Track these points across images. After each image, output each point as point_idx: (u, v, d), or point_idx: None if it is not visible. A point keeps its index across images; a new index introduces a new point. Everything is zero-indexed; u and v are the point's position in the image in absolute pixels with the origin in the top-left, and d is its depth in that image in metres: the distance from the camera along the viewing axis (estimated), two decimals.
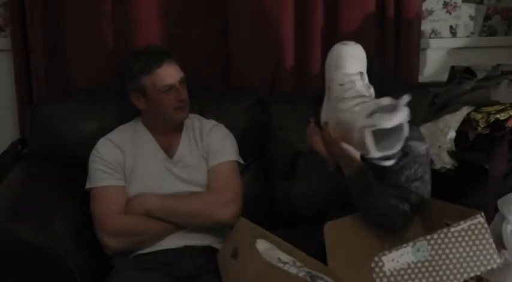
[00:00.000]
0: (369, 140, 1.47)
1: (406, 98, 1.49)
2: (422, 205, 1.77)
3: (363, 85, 1.66)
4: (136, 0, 2.28)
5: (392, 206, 1.72)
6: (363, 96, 1.62)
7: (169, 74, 1.92)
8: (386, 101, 1.50)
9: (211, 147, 2.00)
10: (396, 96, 1.92)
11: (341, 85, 1.66)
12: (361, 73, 1.69)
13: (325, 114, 1.72)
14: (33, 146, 2.19)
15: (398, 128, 1.50)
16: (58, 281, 1.71)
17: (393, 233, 1.74)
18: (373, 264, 1.42)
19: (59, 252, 1.68)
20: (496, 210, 1.72)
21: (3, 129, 2.40)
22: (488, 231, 1.48)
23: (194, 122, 2.06)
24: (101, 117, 2.16)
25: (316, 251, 1.75)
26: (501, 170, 1.91)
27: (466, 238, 1.46)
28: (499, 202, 1.72)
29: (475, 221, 1.47)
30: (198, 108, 2.16)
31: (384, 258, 1.42)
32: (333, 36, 2.42)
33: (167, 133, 2.01)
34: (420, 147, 1.78)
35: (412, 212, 1.75)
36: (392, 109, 1.47)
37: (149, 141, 2.00)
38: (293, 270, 1.57)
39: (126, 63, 1.99)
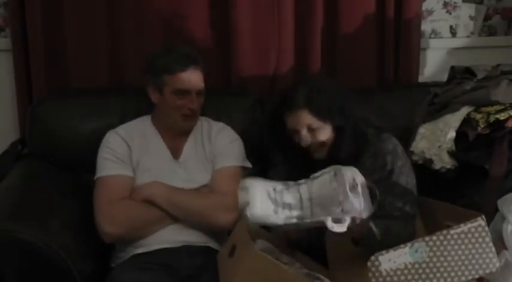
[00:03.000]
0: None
1: None
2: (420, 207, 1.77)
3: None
4: (135, 0, 2.29)
5: (406, 231, 1.71)
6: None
7: (190, 80, 1.92)
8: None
9: (217, 150, 2.00)
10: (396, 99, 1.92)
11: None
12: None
13: None
14: (33, 146, 2.19)
15: None
16: (58, 281, 1.71)
17: None
18: (369, 264, 1.41)
19: (59, 252, 1.68)
20: (496, 210, 1.73)
21: (3, 129, 2.40)
22: (489, 234, 1.46)
23: (203, 124, 2.06)
24: (100, 117, 2.16)
25: (316, 255, 1.75)
26: (501, 170, 1.91)
27: (466, 241, 1.44)
28: (499, 202, 1.72)
29: (476, 223, 1.45)
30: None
31: (380, 257, 1.41)
32: (333, 36, 2.42)
33: (175, 134, 2.01)
34: (399, 158, 1.78)
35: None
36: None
37: (157, 141, 2.00)
38: (291, 272, 1.57)
39: (155, 56, 1.98)
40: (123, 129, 2.01)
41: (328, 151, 1.79)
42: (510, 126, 1.91)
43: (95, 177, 1.93)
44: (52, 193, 1.96)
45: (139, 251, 1.89)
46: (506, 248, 1.61)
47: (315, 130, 1.77)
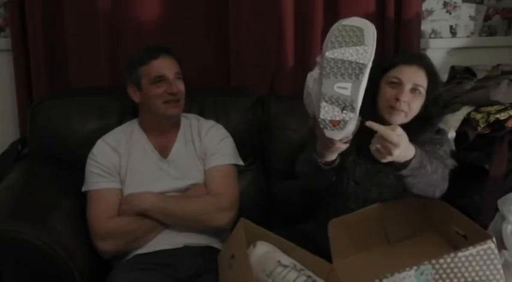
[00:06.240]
0: None
1: None
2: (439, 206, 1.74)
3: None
4: (136, 0, 2.29)
5: (441, 170, 1.69)
6: None
7: (164, 65, 1.95)
8: None
9: (209, 148, 2.00)
10: None
11: None
12: None
13: None
14: (33, 146, 2.19)
15: None
16: (58, 280, 1.71)
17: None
18: None
19: (59, 252, 1.68)
20: (496, 210, 1.73)
21: (3, 129, 2.40)
22: (498, 257, 1.40)
23: (192, 122, 2.06)
24: (100, 117, 2.16)
25: (314, 251, 1.75)
26: (501, 170, 1.91)
27: (473, 263, 1.39)
28: (499, 202, 1.73)
29: (485, 246, 1.38)
30: (198, 108, 2.16)
31: (385, 280, 1.37)
32: None
33: (162, 132, 2.01)
34: (449, 157, 1.81)
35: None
36: None
37: (143, 142, 2.00)
38: (293, 275, 1.56)
39: (129, 57, 2.04)
40: (110, 135, 2.02)
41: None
42: (510, 126, 1.91)
43: (84, 189, 1.94)
44: (52, 193, 1.97)
45: (140, 251, 1.89)
46: (506, 248, 1.61)
47: (414, 95, 1.75)
